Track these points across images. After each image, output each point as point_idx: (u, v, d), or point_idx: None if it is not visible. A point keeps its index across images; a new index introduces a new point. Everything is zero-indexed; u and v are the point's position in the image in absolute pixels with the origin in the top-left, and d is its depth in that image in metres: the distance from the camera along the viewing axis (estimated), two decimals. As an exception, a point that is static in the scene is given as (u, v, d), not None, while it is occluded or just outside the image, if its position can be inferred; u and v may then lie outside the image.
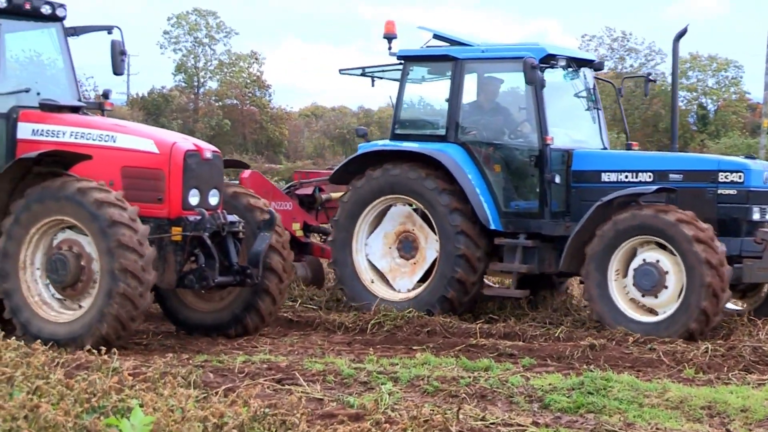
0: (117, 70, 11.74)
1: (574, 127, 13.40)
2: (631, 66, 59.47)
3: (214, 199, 10.64)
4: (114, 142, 10.48)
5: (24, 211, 10.07)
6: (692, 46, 74.35)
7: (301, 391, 8.10)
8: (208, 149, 10.71)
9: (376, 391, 8.14)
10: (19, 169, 10.30)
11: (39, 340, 9.21)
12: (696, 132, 59.47)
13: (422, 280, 12.89)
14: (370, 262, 13.09)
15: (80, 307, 10.05)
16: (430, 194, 12.60)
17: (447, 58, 13.06)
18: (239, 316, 11.17)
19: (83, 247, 10.00)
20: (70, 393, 6.09)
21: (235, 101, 67.34)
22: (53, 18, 11.39)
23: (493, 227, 12.53)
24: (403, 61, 13.38)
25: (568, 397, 8.07)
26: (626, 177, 12.35)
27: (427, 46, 13.49)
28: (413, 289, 12.89)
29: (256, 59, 68.43)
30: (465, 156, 12.76)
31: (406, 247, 13.00)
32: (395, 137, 13.27)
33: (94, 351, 7.88)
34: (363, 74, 14.49)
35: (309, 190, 15.01)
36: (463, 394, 8.15)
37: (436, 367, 9.36)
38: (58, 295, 10.18)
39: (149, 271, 9.79)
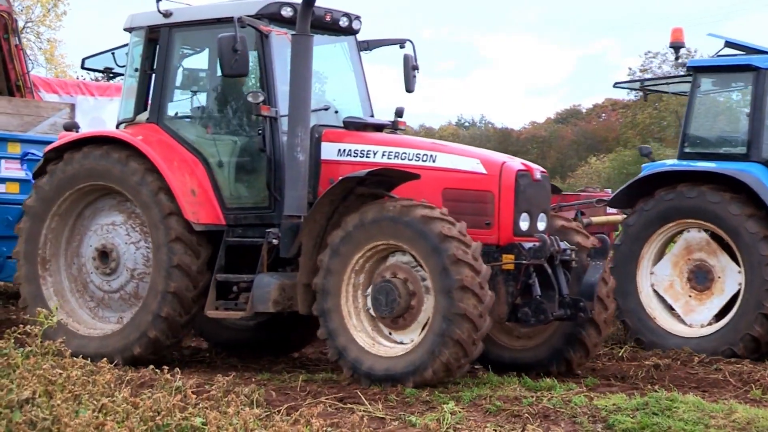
0: (409, 87, 11.07)
1: None
2: (695, 83, 58.84)
3: (542, 224, 9.72)
4: (434, 162, 9.70)
5: (343, 241, 9.27)
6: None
7: (363, 410, 8.11)
8: (538, 170, 9.87)
9: (438, 410, 8.10)
10: (342, 189, 9.49)
11: (368, 379, 9.08)
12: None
13: (719, 315, 11.78)
14: (656, 293, 12.03)
15: (411, 337, 9.21)
16: (733, 219, 11.43)
17: (747, 68, 12.01)
18: (561, 351, 10.02)
19: (409, 272, 9.19)
20: (135, 411, 6.15)
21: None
22: (348, 31, 10.84)
23: None
24: (692, 73, 12.38)
25: (632, 417, 7.98)
26: None
27: (718, 56, 12.50)
28: (709, 324, 11.79)
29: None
30: None
31: (700, 277, 11.83)
32: (684, 156, 12.18)
33: (157, 370, 7.88)
34: (642, 88, 13.75)
35: (570, 215, 13.89)
36: (526, 414, 8.10)
37: (499, 386, 9.31)
38: (384, 328, 9.35)
39: (486, 288, 8.93)
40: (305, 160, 9.62)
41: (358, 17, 10.78)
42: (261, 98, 9.82)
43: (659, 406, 8.24)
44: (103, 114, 18.35)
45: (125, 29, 10.93)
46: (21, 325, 7.28)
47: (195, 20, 10.48)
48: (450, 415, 7.80)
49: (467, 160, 9.67)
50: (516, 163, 9.77)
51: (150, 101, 10.66)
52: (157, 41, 10.60)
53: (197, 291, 10.07)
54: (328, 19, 10.44)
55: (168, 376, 7.50)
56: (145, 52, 10.69)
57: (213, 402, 6.99)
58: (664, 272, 12.03)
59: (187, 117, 10.71)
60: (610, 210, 14.24)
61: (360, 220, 9.21)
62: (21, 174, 12.70)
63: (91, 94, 20.37)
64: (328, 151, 10.00)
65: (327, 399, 8.60)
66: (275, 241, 9.72)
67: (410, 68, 11.00)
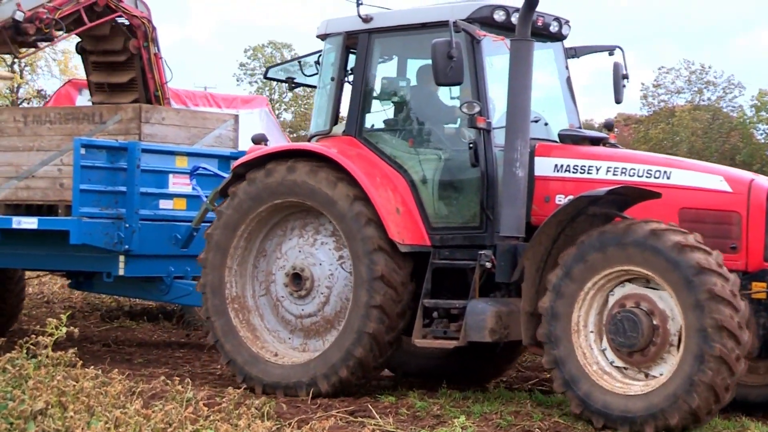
0: (618, 97, 10.38)
1: None
2: (709, 99, 58.91)
3: None
4: (668, 179, 8.84)
5: (578, 262, 8.33)
6: (770, 78, 73.36)
7: (374, 424, 8.11)
8: None
9: (448, 424, 8.10)
10: (574, 209, 8.61)
11: (602, 418, 8.14)
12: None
13: None
14: None
15: (652, 375, 8.23)
16: None
17: None
18: None
19: (654, 302, 8.20)
20: (147, 423, 6.17)
21: (310, 133, 67.80)
22: (557, 37, 10.10)
23: None
24: None
25: (643, 434, 7.96)
26: None
27: None
28: None
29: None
30: None
31: None
32: None
33: (168, 381, 7.89)
34: None
35: None
36: (537, 429, 8.10)
37: (510, 401, 9.30)
38: (617, 362, 8.36)
39: (745, 329, 7.95)
40: (524, 177, 8.88)
41: (567, 22, 10.09)
42: (477, 109, 9.09)
43: (671, 423, 8.22)
44: None
45: (318, 36, 10.24)
46: (33, 335, 7.28)
47: (400, 25, 9.82)
48: (461, 430, 7.79)
49: (709, 177, 8.85)
50: (765, 180, 8.93)
51: (348, 113, 9.94)
52: (354, 48, 9.97)
53: (402, 305, 9.31)
54: (539, 23, 9.70)
55: (179, 387, 7.52)
56: (341, 60, 10.01)
57: (224, 414, 7.01)
58: None
59: (387, 129, 9.97)
60: None
61: (600, 240, 8.29)
62: (188, 189, 11.83)
63: (218, 106, 19.38)
64: (543, 166, 9.23)
65: (338, 412, 8.60)
66: (488, 265, 8.96)
67: (620, 77, 10.35)
